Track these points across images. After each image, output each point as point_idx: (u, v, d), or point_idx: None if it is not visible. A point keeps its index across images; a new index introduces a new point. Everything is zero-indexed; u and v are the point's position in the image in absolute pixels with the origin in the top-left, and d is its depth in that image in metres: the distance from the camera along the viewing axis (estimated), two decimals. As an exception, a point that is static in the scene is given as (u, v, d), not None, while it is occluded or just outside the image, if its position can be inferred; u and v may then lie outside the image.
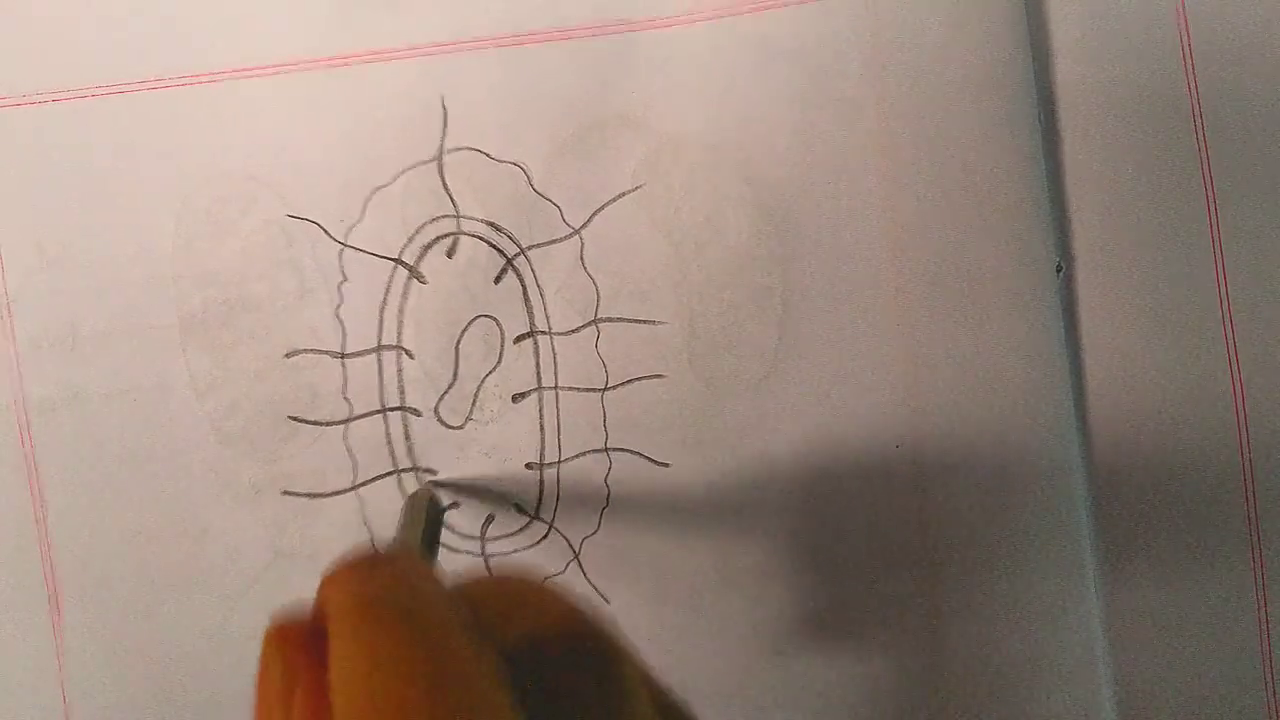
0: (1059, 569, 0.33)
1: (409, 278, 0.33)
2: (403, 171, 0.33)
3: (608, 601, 0.33)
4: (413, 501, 0.30)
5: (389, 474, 0.33)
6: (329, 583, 0.19)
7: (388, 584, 0.19)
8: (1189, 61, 0.33)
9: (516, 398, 0.33)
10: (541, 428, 0.33)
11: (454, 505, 0.33)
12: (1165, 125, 0.34)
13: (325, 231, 0.33)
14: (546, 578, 0.22)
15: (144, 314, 0.33)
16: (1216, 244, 0.34)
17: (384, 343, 0.33)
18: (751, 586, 0.33)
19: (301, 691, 0.18)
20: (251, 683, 0.34)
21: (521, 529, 0.34)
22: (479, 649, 0.18)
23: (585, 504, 0.33)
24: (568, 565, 0.33)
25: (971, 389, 0.33)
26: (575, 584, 0.33)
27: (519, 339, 0.33)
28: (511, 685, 0.18)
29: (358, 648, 0.17)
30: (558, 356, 0.33)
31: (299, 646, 0.18)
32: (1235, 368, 0.34)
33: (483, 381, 0.33)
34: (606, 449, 0.33)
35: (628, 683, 0.19)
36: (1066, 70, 0.34)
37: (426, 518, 0.29)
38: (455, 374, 0.33)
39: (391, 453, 0.33)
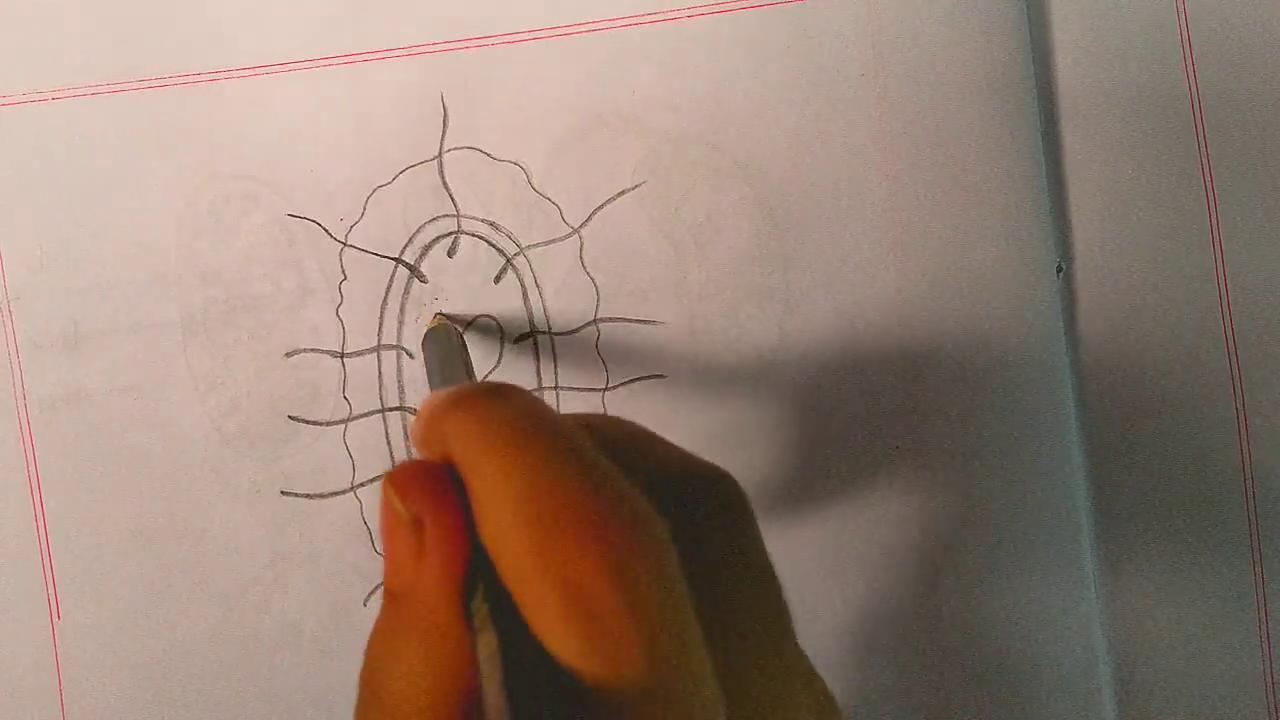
0: (1059, 569, 0.33)
1: (410, 277, 0.33)
2: (403, 170, 0.33)
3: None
4: (437, 339, 0.30)
5: (388, 474, 0.33)
6: (457, 415, 0.19)
7: (528, 410, 0.19)
8: (1189, 61, 0.33)
9: (516, 397, 0.33)
10: (542, 427, 0.33)
11: None
12: (1165, 125, 0.34)
13: (326, 231, 0.33)
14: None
15: (145, 313, 0.33)
16: (1216, 244, 0.34)
17: (384, 342, 0.33)
18: (751, 586, 0.33)
19: (432, 525, 0.18)
20: (250, 681, 0.34)
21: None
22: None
23: (585, 504, 0.33)
24: (568, 565, 0.33)
25: (972, 389, 0.33)
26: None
27: (519, 339, 0.33)
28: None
29: (512, 474, 0.17)
30: (558, 356, 0.33)
31: (422, 484, 0.18)
32: (1235, 368, 0.34)
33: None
34: (607, 449, 0.33)
35: (756, 526, 0.20)
36: (1066, 70, 0.34)
37: (460, 353, 0.28)
38: (455, 374, 0.33)
39: (390, 453, 0.33)
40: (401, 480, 0.19)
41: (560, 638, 0.16)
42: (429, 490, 0.18)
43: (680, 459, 0.21)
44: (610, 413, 0.33)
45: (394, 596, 0.18)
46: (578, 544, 0.16)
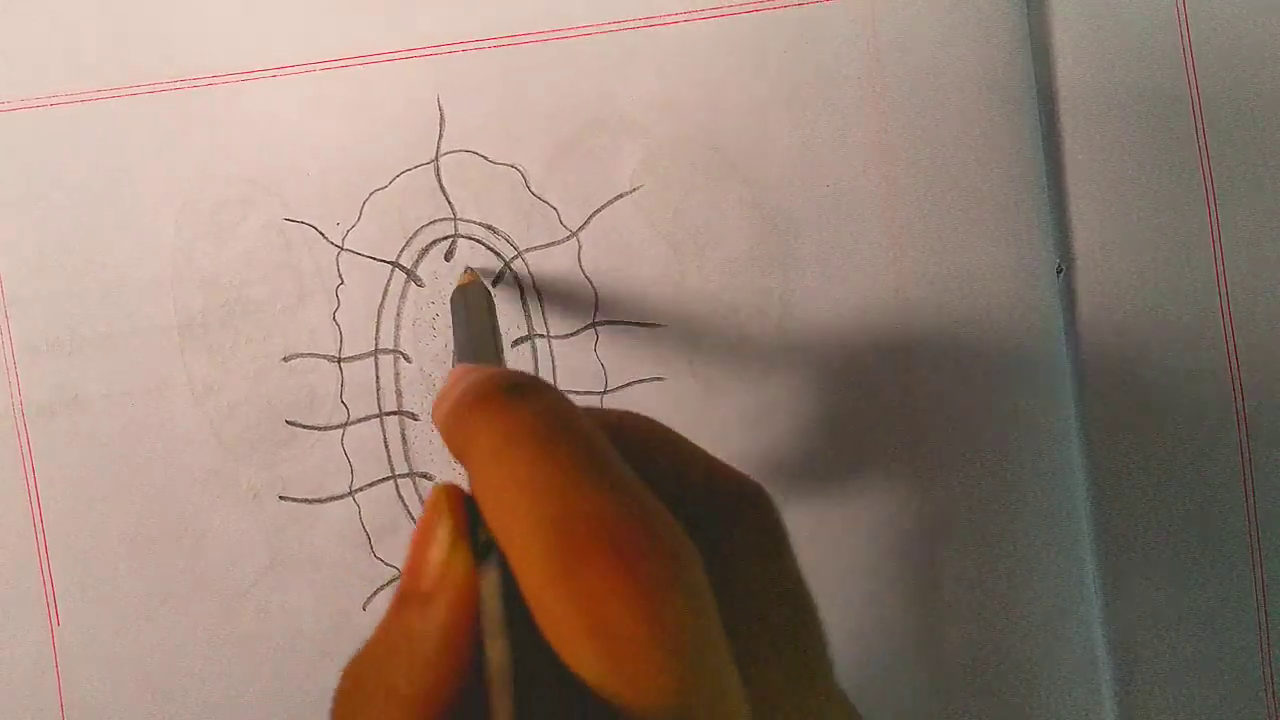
0: (1059, 569, 0.33)
1: (406, 281, 0.33)
2: (400, 174, 0.33)
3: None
4: (467, 298, 0.29)
5: (385, 479, 0.33)
6: (477, 413, 0.18)
7: (551, 413, 0.18)
8: (1189, 61, 0.33)
9: (515, 401, 0.33)
10: (540, 431, 0.33)
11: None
12: (1166, 125, 0.33)
13: (322, 235, 0.33)
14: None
15: (143, 317, 0.33)
16: (1216, 244, 0.34)
17: (381, 346, 0.33)
18: (751, 588, 0.33)
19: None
20: (249, 686, 0.34)
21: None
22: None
23: (584, 507, 0.33)
24: (567, 568, 0.33)
25: (972, 389, 0.33)
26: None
27: (517, 342, 0.33)
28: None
29: (531, 488, 0.16)
30: (556, 360, 0.33)
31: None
32: (1235, 368, 0.34)
33: (481, 385, 0.33)
34: (606, 452, 0.33)
35: (789, 545, 0.19)
36: (1066, 70, 0.33)
37: (489, 315, 0.28)
38: (453, 378, 0.33)
39: (388, 457, 0.33)
40: (450, 496, 0.18)
41: (582, 660, 0.15)
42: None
43: (709, 467, 0.20)
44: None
45: (407, 599, 0.18)
46: (605, 572, 0.15)
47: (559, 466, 0.16)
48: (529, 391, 0.18)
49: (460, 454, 0.19)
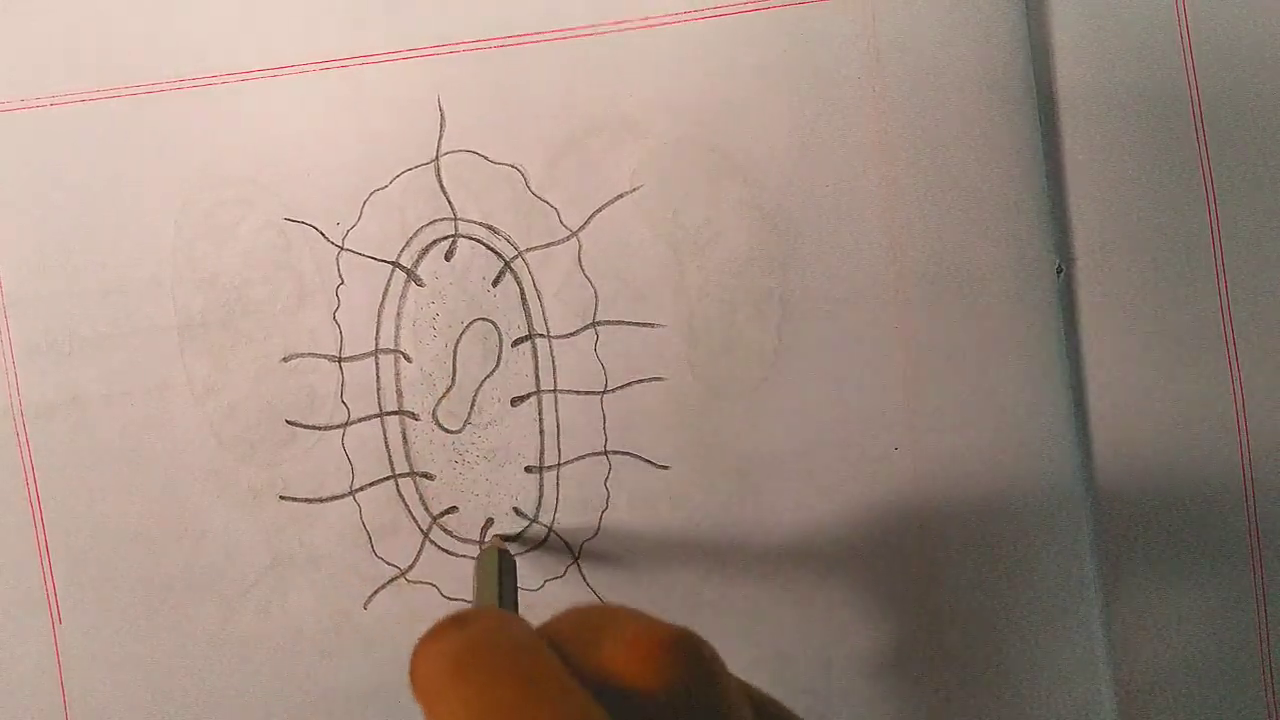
0: (1059, 570, 0.33)
1: (406, 280, 0.33)
2: (400, 174, 0.33)
3: (607, 604, 0.33)
4: (482, 562, 0.30)
5: (386, 479, 0.33)
6: (418, 654, 0.20)
7: (477, 640, 0.19)
8: (1189, 61, 0.33)
9: (515, 401, 0.33)
10: (541, 431, 0.33)
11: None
12: (1165, 125, 0.33)
13: (322, 234, 0.33)
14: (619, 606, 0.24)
15: (143, 317, 0.33)
16: (1216, 244, 0.34)
17: (381, 346, 0.33)
18: (751, 588, 0.33)
19: None
20: (249, 686, 0.34)
21: (521, 532, 0.34)
22: (576, 685, 0.18)
23: (585, 507, 0.33)
24: (567, 569, 0.33)
25: (971, 390, 0.33)
26: (575, 587, 0.33)
27: (517, 342, 0.33)
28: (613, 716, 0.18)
29: (457, 707, 0.18)
30: (556, 359, 0.33)
31: None
32: (1235, 368, 0.34)
33: (481, 385, 0.33)
34: (606, 452, 0.33)
35: (726, 702, 0.20)
36: (1066, 70, 0.33)
37: (500, 574, 0.29)
38: (453, 377, 0.33)
39: (389, 457, 0.33)
40: None
41: None
42: None
43: (634, 634, 0.21)
44: (608, 416, 0.33)
45: None
46: None
47: (475, 681, 0.18)
48: (469, 620, 0.20)
49: (413, 687, 0.20)
